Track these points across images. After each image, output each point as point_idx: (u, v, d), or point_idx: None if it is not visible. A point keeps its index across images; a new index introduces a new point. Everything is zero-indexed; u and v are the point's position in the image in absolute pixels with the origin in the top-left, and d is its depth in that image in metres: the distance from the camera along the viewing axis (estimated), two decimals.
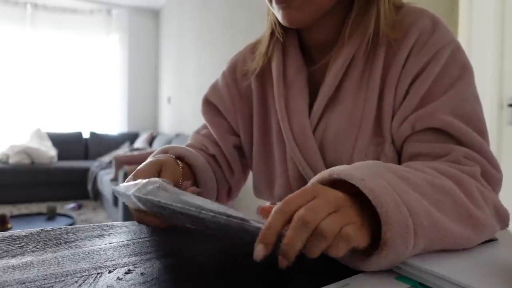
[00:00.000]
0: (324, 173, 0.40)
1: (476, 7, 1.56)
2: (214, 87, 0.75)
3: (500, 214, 0.47)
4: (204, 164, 0.66)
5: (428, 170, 0.45)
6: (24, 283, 0.34)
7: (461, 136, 0.51)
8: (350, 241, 0.33)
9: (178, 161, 0.61)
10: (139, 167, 0.55)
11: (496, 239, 0.46)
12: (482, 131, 0.52)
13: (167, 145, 0.66)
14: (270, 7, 0.60)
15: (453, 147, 0.51)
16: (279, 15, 0.58)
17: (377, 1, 0.56)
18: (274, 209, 0.34)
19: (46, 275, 0.36)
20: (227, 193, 0.76)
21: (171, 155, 0.63)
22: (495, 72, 1.49)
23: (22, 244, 0.45)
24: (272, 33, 0.67)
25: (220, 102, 0.73)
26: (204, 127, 0.77)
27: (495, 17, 1.49)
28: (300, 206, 0.34)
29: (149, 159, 0.58)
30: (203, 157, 0.69)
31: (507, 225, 0.49)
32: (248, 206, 2.67)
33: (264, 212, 0.37)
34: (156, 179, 0.47)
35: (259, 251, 0.32)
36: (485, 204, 0.45)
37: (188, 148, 0.68)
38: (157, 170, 0.55)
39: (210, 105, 0.75)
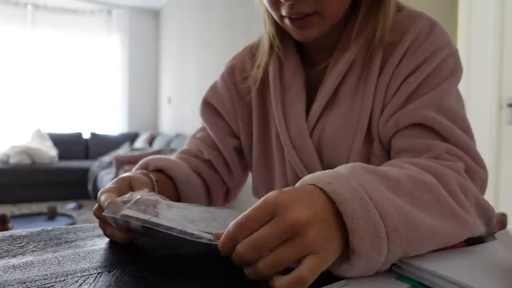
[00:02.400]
0: (299, 182, 0.38)
1: (476, 8, 1.56)
2: (213, 89, 0.75)
3: (484, 210, 0.46)
4: (187, 175, 0.64)
5: (408, 166, 0.44)
6: (24, 282, 0.34)
7: (443, 131, 0.50)
8: (302, 283, 0.30)
9: (151, 174, 0.58)
10: (109, 185, 0.51)
11: (495, 239, 0.46)
12: (467, 129, 0.52)
13: (150, 157, 0.64)
14: (280, 23, 0.58)
15: (436, 143, 0.50)
16: (292, 33, 0.58)
17: (383, 6, 0.56)
18: (226, 232, 0.33)
19: (46, 275, 0.36)
20: (224, 196, 0.75)
21: (144, 170, 0.60)
22: (495, 72, 1.48)
23: (23, 244, 0.45)
24: (271, 46, 0.66)
25: (219, 103, 0.72)
26: (201, 130, 0.76)
27: (495, 18, 1.49)
28: (252, 232, 0.31)
29: (119, 176, 0.55)
30: (191, 166, 0.68)
31: (490, 221, 0.47)
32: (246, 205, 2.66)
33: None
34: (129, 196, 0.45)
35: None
36: (467, 199, 0.44)
37: (171, 159, 0.66)
38: (128, 185, 0.52)
39: (209, 106, 0.74)
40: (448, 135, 0.50)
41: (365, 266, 0.34)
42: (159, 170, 0.62)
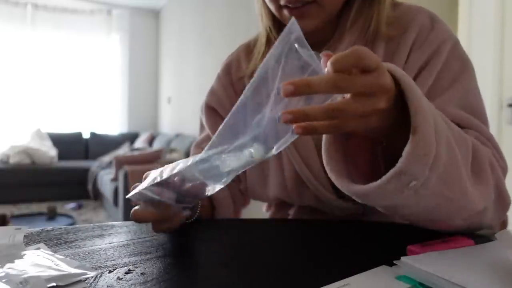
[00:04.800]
0: None
1: (476, 7, 1.56)
2: (211, 92, 0.74)
3: (501, 196, 0.47)
4: (223, 196, 0.66)
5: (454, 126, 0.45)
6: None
7: (469, 126, 0.52)
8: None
9: None
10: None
11: (496, 239, 0.46)
12: (486, 123, 0.55)
13: None
14: (278, 14, 0.59)
15: (467, 131, 0.52)
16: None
17: None
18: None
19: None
20: (243, 203, 0.76)
21: None
22: (495, 72, 1.48)
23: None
24: (268, 39, 0.66)
25: (219, 106, 0.72)
26: (205, 139, 0.75)
27: (495, 17, 1.49)
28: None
29: None
30: None
31: (504, 209, 0.48)
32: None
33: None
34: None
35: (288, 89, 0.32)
36: (492, 175, 0.45)
37: None
38: None
39: (210, 111, 0.73)
40: (472, 128, 0.52)
41: (422, 151, 0.35)
42: None
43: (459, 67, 0.55)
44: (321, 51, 0.61)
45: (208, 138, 0.75)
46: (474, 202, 0.42)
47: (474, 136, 0.51)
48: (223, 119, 0.71)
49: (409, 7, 0.59)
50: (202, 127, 0.78)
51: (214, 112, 0.73)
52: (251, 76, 0.69)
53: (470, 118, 0.52)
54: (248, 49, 0.73)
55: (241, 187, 0.72)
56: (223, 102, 0.72)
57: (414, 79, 0.56)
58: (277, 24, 0.65)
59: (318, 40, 0.63)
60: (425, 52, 0.56)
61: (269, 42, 0.66)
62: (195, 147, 0.77)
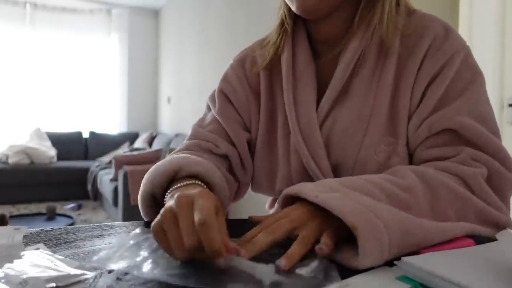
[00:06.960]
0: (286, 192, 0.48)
1: (476, 7, 1.56)
2: (225, 80, 0.73)
3: (488, 220, 0.48)
4: (220, 179, 0.56)
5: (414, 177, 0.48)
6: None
7: (474, 138, 0.52)
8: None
9: (204, 185, 0.52)
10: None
11: (496, 239, 0.46)
12: (496, 132, 0.54)
13: (179, 159, 0.55)
14: None
15: (463, 149, 0.52)
16: (292, 6, 0.59)
17: None
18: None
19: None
20: (234, 194, 0.71)
21: (175, 174, 0.52)
22: (495, 72, 1.49)
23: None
24: (282, 24, 0.67)
25: (234, 95, 0.71)
26: (212, 122, 0.71)
27: (496, 17, 1.49)
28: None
29: (190, 190, 0.43)
30: (214, 165, 0.59)
31: (494, 224, 0.49)
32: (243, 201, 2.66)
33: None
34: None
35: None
36: (461, 210, 0.48)
37: (201, 161, 0.56)
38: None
39: (223, 97, 0.72)
40: (479, 141, 0.52)
41: (373, 244, 0.37)
42: (193, 176, 0.53)
43: (470, 77, 0.56)
44: (336, 49, 0.63)
45: (215, 121, 0.70)
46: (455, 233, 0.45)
47: (471, 156, 0.52)
48: (234, 108, 0.72)
49: (423, 15, 0.60)
50: (208, 111, 0.74)
51: (226, 98, 0.72)
52: (265, 68, 0.69)
53: (477, 127, 0.52)
54: (262, 43, 0.73)
55: (243, 177, 0.71)
56: (238, 93, 0.71)
57: (427, 87, 0.57)
58: (293, 15, 0.66)
59: (330, 37, 0.64)
60: (438, 61, 0.56)
61: (283, 27, 0.67)
62: (196, 126, 0.72)
